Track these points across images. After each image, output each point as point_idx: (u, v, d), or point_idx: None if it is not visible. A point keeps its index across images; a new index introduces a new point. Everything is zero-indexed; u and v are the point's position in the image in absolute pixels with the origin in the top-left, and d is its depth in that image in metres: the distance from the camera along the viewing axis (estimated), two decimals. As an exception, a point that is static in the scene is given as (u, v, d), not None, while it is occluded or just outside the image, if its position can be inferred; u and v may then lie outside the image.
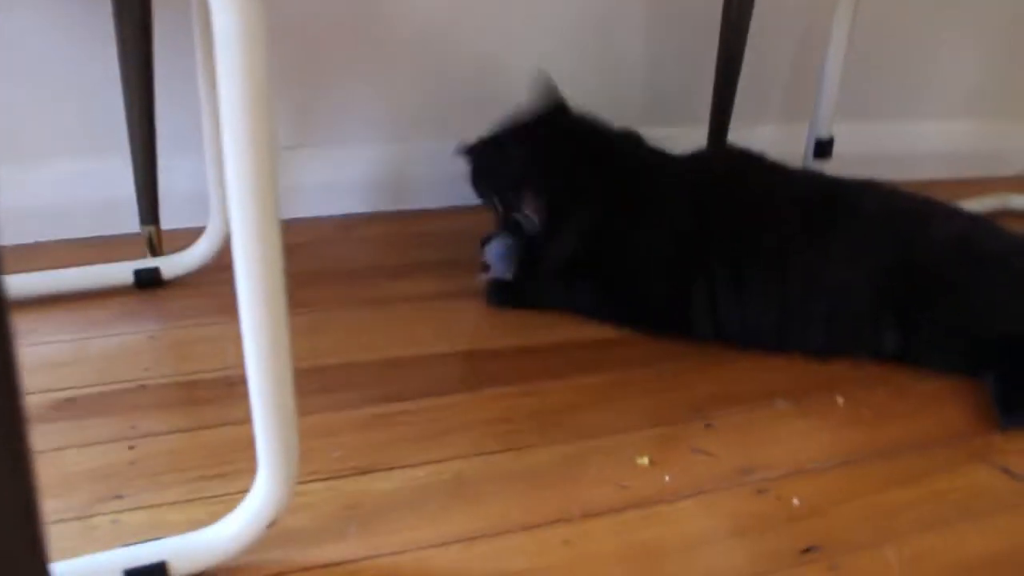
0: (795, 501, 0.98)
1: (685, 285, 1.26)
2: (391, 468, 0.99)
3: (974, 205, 1.82)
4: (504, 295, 1.34)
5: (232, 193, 0.68)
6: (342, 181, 1.66)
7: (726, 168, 1.35)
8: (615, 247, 1.29)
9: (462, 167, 1.70)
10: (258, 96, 0.66)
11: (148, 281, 1.34)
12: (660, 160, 1.38)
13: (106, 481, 0.94)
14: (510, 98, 1.68)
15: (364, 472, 0.98)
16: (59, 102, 1.46)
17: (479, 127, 1.69)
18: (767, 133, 1.90)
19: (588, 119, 1.39)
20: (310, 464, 0.98)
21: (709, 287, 1.25)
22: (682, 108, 1.79)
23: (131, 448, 1.00)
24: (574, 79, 1.67)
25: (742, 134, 1.71)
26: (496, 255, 1.35)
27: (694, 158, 1.39)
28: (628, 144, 1.38)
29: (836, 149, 1.66)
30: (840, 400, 1.18)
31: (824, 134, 1.62)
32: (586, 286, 1.33)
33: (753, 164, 1.37)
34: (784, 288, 1.24)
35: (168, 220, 1.39)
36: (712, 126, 1.69)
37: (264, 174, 0.68)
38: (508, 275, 1.35)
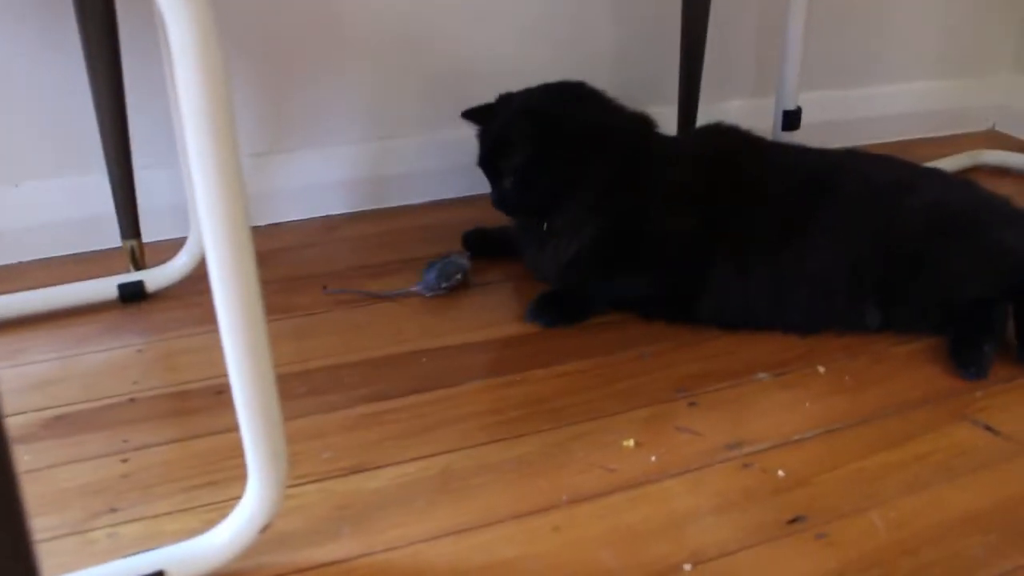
0: (780, 473, 0.99)
1: (702, 270, 1.27)
2: (380, 466, 1.00)
3: (948, 164, 1.84)
4: (549, 314, 1.30)
5: (201, 205, 0.69)
6: (322, 183, 1.67)
7: (724, 151, 1.36)
8: (640, 239, 1.29)
9: (441, 162, 1.72)
10: (219, 105, 0.66)
11: (132, 295, 1.35)
12: (666, 147, 1.39)
13: (100, 495, 0.96)
14: (485, 90, 1.70)
15: (354, 472, 0.99)
16: (32, 121, 1.47)
17: (455, 121, 1.71)
18: (736, 108, 1.91)
19: (602, 98, 1.40)
20: (301, 467, 0.99)
21: (721, 271, 1.26)
22: (651, 89, 1.79)
23: (124, 461, 1.01)
24: (546, 66, 1.68)
25: (711, 110, 1.72)
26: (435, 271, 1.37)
27: (693, 142, 1.42)
28: (639, 129, 1.38)
29: (806, 119, 1.67)
30: (821, 369, 1.19)
31: (790, 105, 1.63)
32: (617, 279, 1.32)
33: (745, 144, 1.39)
34: (775, 269, 1.25)
35: (150, 232, 1.40)
36: (681, 105, 1.70)
37: (230, 183, 0.69)
38: (427, 292, 1.37)
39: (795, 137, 1.65)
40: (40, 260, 1.50)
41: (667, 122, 1.59)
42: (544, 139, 1.28)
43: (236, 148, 0.68)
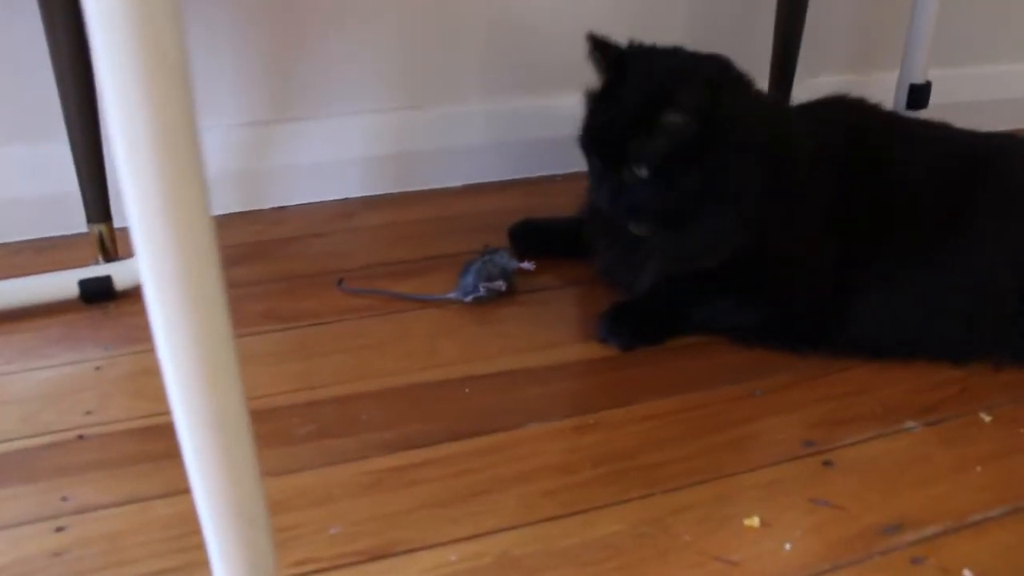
0: (967, 574, 0.71)
1: (845, 292, 0.99)
2: (411, 550, 0.72)
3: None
4: (627, 333, 1.02)
5: (127, 189, 0.41)
6: (337, 159, 1.39)
7: (856, 132, 1.06)
8: (766, 244, 1.00)
9: (480, 137, 1.44)
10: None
11: (96, 293, 1.08)
12: (803, 142, 1.05)
13: (18, 586, 0.68)
14: (531, 58, 1.42)
15: (374, 558, 0.71)
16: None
17: (495, 91, 1.43)
18: (828, 85, 1.63)
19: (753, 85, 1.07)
20: (299, 548, 0.72)
21: (864, 289, 0.99)
22: (736, 58, 1.52)
23: (58, 530, 0.74)
24: (608, 27, 1.42)
25: (802, 86, 1.45)
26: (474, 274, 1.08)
27: (816, 123, 1.07)
28: (787, 123, 1.07)
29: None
30: (986, 418, 0.91)
31: (919, 78, 1.35)
32: (731, 299, 1.04)
33: (884, 125, 1.11)
34: (926, 280, 0.98)
35: (124, 217, 1.12)
36: (773, 81, 1.43)
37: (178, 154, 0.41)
38: (465, 298, 1.07)
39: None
40: (-14, 246, 1.22)
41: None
42: (719, 121, 0.95)
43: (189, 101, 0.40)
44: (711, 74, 0.97)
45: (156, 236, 0.42)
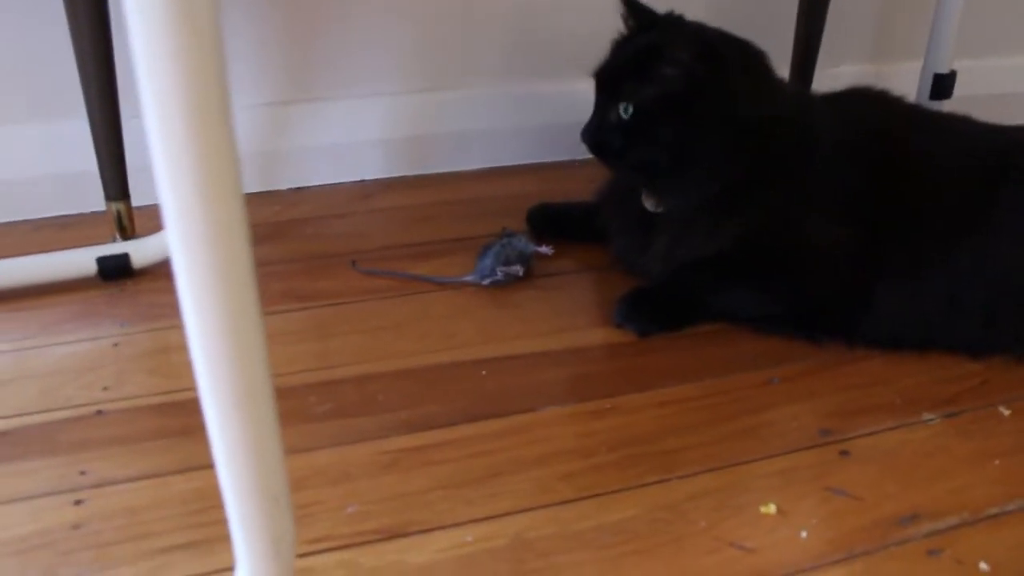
0: (983, 566, 0.71)
1: (866, 281, 0.99)
2: (426, 530, 0.72)
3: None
4: (645, 318, 1.02)
5: (159, 164, 0.41)
6: (355, 140, 1.38)
7: (884, 129, 1.05)
8: (783, 233, 1.01)
9: (499, 120, 1.43)
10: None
11: (114, 270, 1.08)
12: (821, 129, 1.06)
13: (39, 555, 0.69)
14: (549, 42, 1.41)
15: (390, 537, 0.71)
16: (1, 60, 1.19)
17: (518, 76, 1.42)
18: (851, 75, 1.61)
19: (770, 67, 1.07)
20: (316, 526, 0.72)
21: (886, 279, 0.98)
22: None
23: (77, 503, 0.75)
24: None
25: (822, 76, 1.43)
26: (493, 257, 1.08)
27: (840, 114, 1.06)
28: (804, 111, 1.07)
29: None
30: (1005, 411, 0.91)
31: (943, 68, 1.33)
32: (751, 287, 1.03)
33: (906, 116, 1.10)
34: (949, 271, 0.97)
35: (142, 196, 1.13)
36: (795, 70, 1.42)
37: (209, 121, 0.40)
38: (483, 281, 1.07)
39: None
40: (6, 224, 1.22)
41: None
42: (709, 80, 0.96)
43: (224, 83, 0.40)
44: (716, 44, 0.98)
45: (187, 211, 0.42)
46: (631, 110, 0.98)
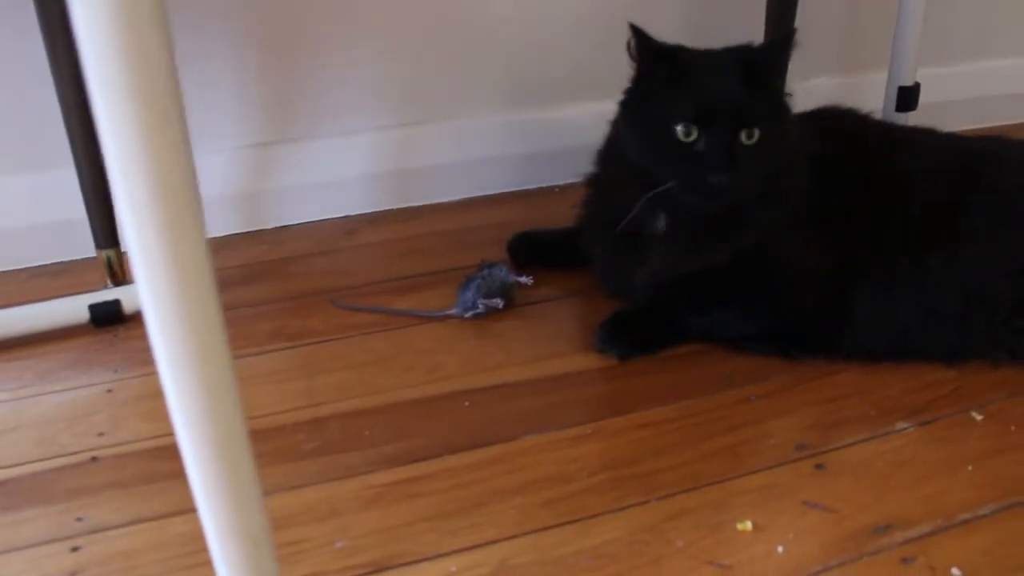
0: (955, 572, 0.73)
1: (842, 290, 1.01)
2: (413, 561, 0.74)
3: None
4: (625, 341, 1.04)
5: (126, 214, 0.43)
6: (339, 177, 1.41)
7: (855, 146, 1.08)
8: (767, 251, 1.03)
9: (479, 151, 1.46)
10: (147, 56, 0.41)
11: (106, 317, 1.11)
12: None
13: (36, 606, 0.71)
14: (532, 71, 1.43)
15: (377, 570, 0.74)
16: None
17: (495, 106, 1.44)
18: (822, 87, 1.64)
19: None
20: (306, 562, 0.75)
21: (863, 293, 1.01)
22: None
23: (74, 550, 0.77)
24: (610, 44, 1.43)
25: (795, 88, 1.45)
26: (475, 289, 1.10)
27: (810, 133, 1.07)
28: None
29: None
30: (978, 416, 0.93)
31: (907, 80, 1.36)
32: (729, 308, 1.06)
33: (875, 133, 1.13)
34: (922, 282, 1.00)
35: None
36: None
37: (171, 179, 0.43)
38: (465, 314, 1.10)
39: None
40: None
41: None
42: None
43: (182, 128, 0.43)
44: (788, 45, 1.02)
45: (153, 263, 0.44)
46: (757, 135, 0.95)
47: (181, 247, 0.45)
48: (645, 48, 1.00)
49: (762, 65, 0.98)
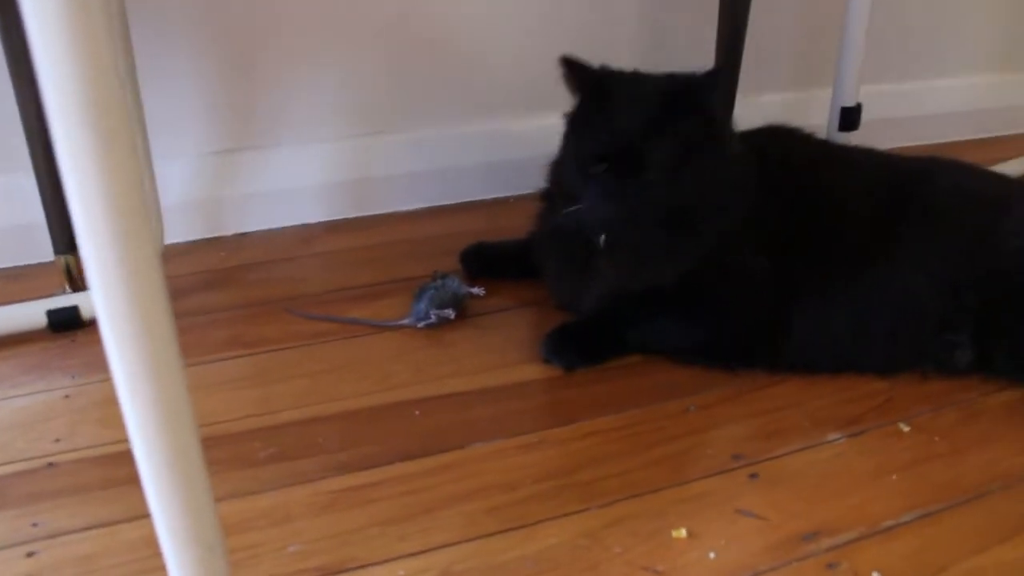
0: (875, 576, 0.78)
1: (781, 305, 1.05)
2: (363, 565, 0.77)
3: (1006, 169, 1.63)
4: (570, 353, 1.07)
5: (79, 220, 0.46)
6: (296, 186, 1.44)
7: (793, 164, 1.13)
8: (706, 271, 1.06)
9: (434, 162, 1.49)
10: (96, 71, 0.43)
11: (64, 322, 1.12)
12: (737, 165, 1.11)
13: (-7, 609, 0.73)
14: (485, 81, 1.47)
15: (330, 573, 0.76)
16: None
17: (452, 118, 1.47)
18: (772, 104, 1.69)
19: None
20: (261, 566, 0.77)
21: (801, 307, 1.05)
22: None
23: (29, 556, 0.79)
24: (559, 53, 1.46)
25: (744, 104, 1.50)
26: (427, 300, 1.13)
27: (756, 155, 1.10)
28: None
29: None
30: (905, 428, 0.98)
31: (850, 101, 1.41)
32: (671, 320, 1.09)
33: (815, 152, 1.17)
34: (855, 297, 1.05)
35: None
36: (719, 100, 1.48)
37: (123, 190, 0.45)
38: (418, 324, 1.13)
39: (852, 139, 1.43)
40: (-43, 277, 1.26)
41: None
42: (719, 126, 1.05)
43: (129, 145, 0.45)
44: (715, 80, 1.04)
45: (106, 271, 0.46)
46: (659, 174, 0.98)
47: (133, 255, 0.47)
48: (576, 77, 1.05)
49: (687, 97, 1.01)
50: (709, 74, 1.02)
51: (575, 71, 1.04)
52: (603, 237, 1.04)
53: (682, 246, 1.04)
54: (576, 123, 1.07)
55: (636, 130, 0.99)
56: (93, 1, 0.41)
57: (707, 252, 1.05)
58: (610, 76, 1.05)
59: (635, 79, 1.06)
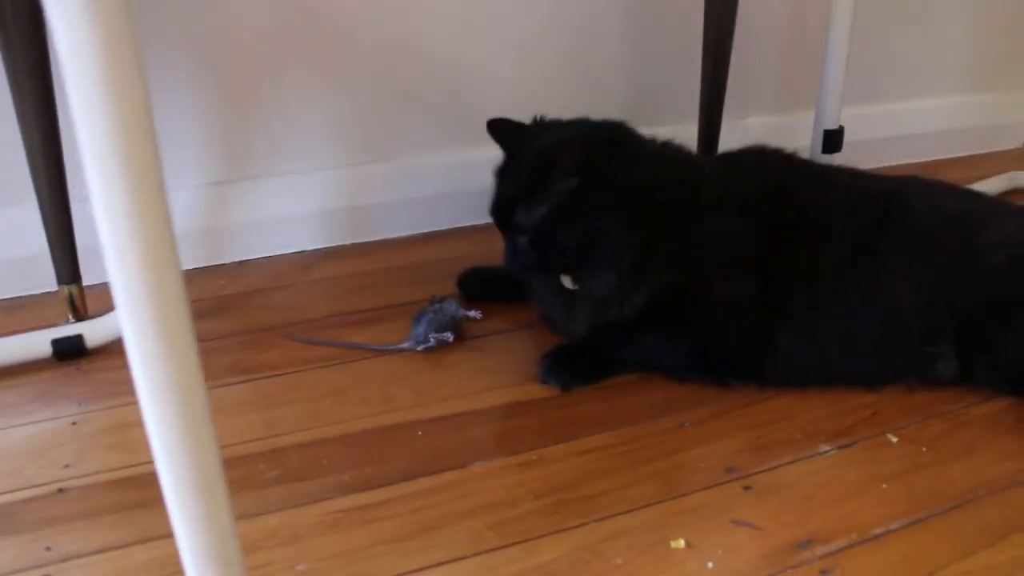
0: (867, 582, 0.80)
1: (767, 322, 1.08)
2: (371, 582, 0.79)
3: (984, 187, 1.68)
4: (567, 373, 1.10)
5: (108, 249, 0.48)
6: (293, 214, 1.46)
7: (776, 185, 1.16)
8: (690, 289, 1.10)
9: (429, 188, 1.52)
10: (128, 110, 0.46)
11: (69, 351, 1.14)
12: (715, 189, 1.15)
13: (10, 632, 0.75)
14: (477, 109, 1.50)
15: (337, 591, 0.79)
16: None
17: (446, 146, 1.51)
18: (756, 126, 1.74)
19: (645, 141, 1.16)
20: (269, 584, 0.79)
21: (787, 325, 1.08)
22: (666, 106, 1.61)
23: (44, 579, 0.80)
24: (553, 82, 1.50)
25: (729, 128, 1.54)
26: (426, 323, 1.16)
27: (739, 177, 1.17)
28: (689, 174, 1.16)
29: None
30: (893, 438, 1.01)
31: (832, 124, 1.45)
32: (659, 339, 1.12)
33: (797, 172, 1.21)
34: (840, 313, 1.08)
35: (92, 275, 1.20)
36: (703, 124, 1.52)
37: (151, 220, 0.48)
38: (417, 347, 1.16)
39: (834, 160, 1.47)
40: (-38, 309, 1.28)
41: (686, 140, 1.39)
42: (598, 180, 1.06)
43: (157, 177, 0.48)
44: (588, 138, 1.08)
45: (133, 293, 0.49)
46: (529, 234, 1.08)
47: (160, 279, 0.50)
48: (498, 140, 1.15)
49: (552, 165, 1.06)
50: (574, 138, 1.08)
51: (494, 133, 1.14)
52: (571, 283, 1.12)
53: (628, 286, 1.09)
54: (495, 178, 1.15)
55: (508, 197, 1.10)
56: (124, 35, 0.43)
57: (668, 281, 1.08)
58: (519, 136, 1.13)
59: (534, 138, 1.12)
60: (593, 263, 1.08)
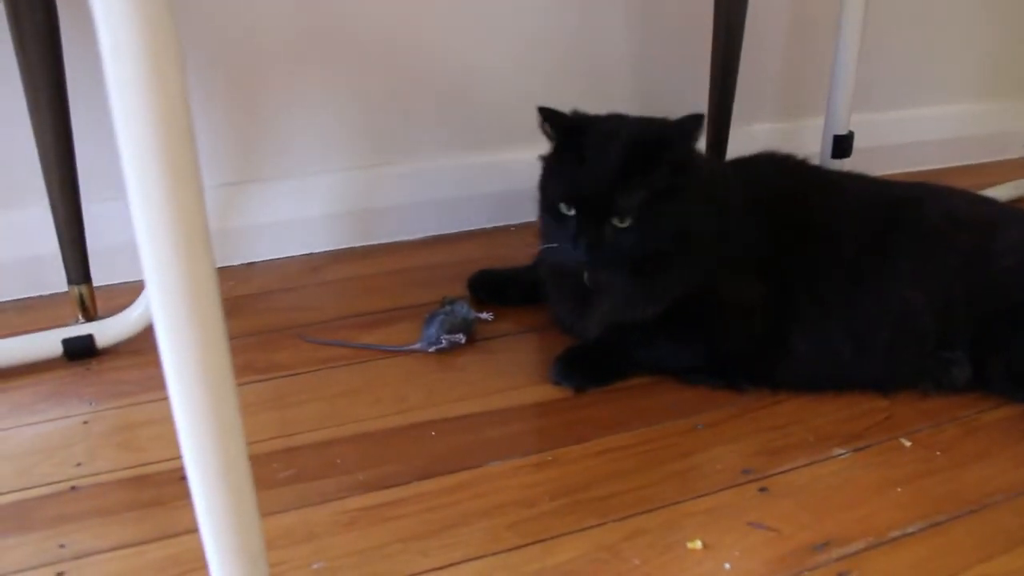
0: (885, 585, 0.80)
1: (780, 326, 1.08)
2: (388, 581, 0.79)
3: (993, 195, 1.68)
4: (580, 374, 1.10)
5: (145, 248, 0.48)
6: (303, 216, 1.46)
7: (790, 190, 1.16)
8: (701, 297, 1.09)
9: (438, 191, 1.52)
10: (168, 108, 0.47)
11: (79, 351, 1.14)
12: (732, 193, 1.14)
13: (26, 628, 0.74)
14: (484, 110, 1.51)
15: (354, 589, 0.78)
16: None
17: (454, 149, 1.51)
18: (763, 132, 1.74)
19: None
20: (285, 583, 0.78)
21: (800, 328, 1.08)
22: (675, 111, 1.61)
23: (59, 575, 0.80)
24: (560, 88, 1.51)
25: (736, 134, 1.55)
26: (438, 325, 1.15)
27: (753, 182, 1.16)
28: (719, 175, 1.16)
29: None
30: (906, 443, 1.01)
31: (842, 129, 1.45)
32: (672, 342, 1.12)
33: (810, 178, 1.21)
34: (854, 317, 1.08)
35: (101, 275, 1.20)
36: (711, 129, 1.52)
37: (187, 215, 0.48)
38: (429, 348, 1.15)
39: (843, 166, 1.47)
40: (-28, 308, 1.27)
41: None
42: (689, 171, 1.05)
43: (195, 173, 0.48)
44: (686, 128, 1.05)
45: (167, 286, 0.49)
46: (628, 220, 1.02)
47: (194, 271, 0.50)
48: (553, 125, 1.09)
49: (656, 146, 1.03)
50: (680, 122, 1.05)
51: (549, 119, 1.09)
52: (585, 275, 1.09)
53: (660, 285, 1.08)
54: (550, 166, 1.11)
55: (605, 177, 1.02)
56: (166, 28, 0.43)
57: (694, 283, 1.08)
58: (582, 123, 1.09)
59: (607, 125, 1.08)
60: (677, 255, 1.06)
